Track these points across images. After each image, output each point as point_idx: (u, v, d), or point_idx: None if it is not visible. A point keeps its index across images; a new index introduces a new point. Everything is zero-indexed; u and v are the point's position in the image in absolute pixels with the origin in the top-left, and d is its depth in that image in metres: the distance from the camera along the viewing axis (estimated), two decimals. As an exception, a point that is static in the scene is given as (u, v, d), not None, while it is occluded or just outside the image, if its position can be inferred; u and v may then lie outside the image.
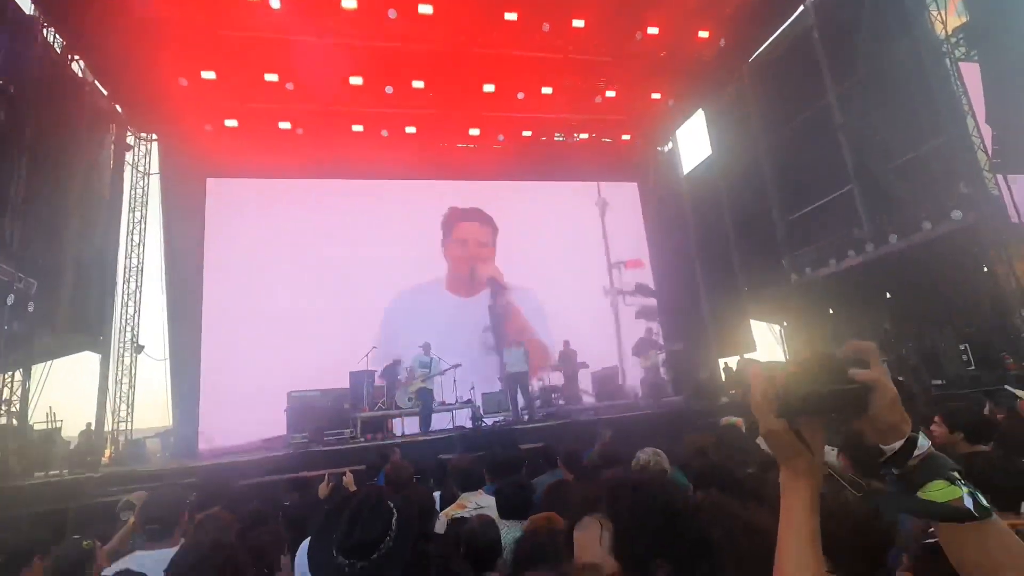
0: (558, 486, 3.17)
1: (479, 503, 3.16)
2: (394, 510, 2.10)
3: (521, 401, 10.93)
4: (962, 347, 9.24)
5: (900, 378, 8.48)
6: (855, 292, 12.69)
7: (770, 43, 13.47)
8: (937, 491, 0.72)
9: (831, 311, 13.94)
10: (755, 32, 13.08)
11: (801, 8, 12.34)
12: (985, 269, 9.67)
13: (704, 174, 16.51)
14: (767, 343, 15.36)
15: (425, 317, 13.91)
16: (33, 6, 9.58)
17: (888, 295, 12.32)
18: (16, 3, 8.98)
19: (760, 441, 3.84)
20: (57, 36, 10.44)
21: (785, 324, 14.99)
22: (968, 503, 0.70)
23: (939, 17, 9.72)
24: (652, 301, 15.66)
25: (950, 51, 9.65)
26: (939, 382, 8.68)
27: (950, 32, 9.77)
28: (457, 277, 15.21)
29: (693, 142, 16.81)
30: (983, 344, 8.87)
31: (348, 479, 3.74)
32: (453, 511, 3.17)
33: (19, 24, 9.01)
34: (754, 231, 14.52)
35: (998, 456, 2.00)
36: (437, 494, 3.96)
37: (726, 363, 14.69)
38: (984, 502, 0.70)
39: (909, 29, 10.06)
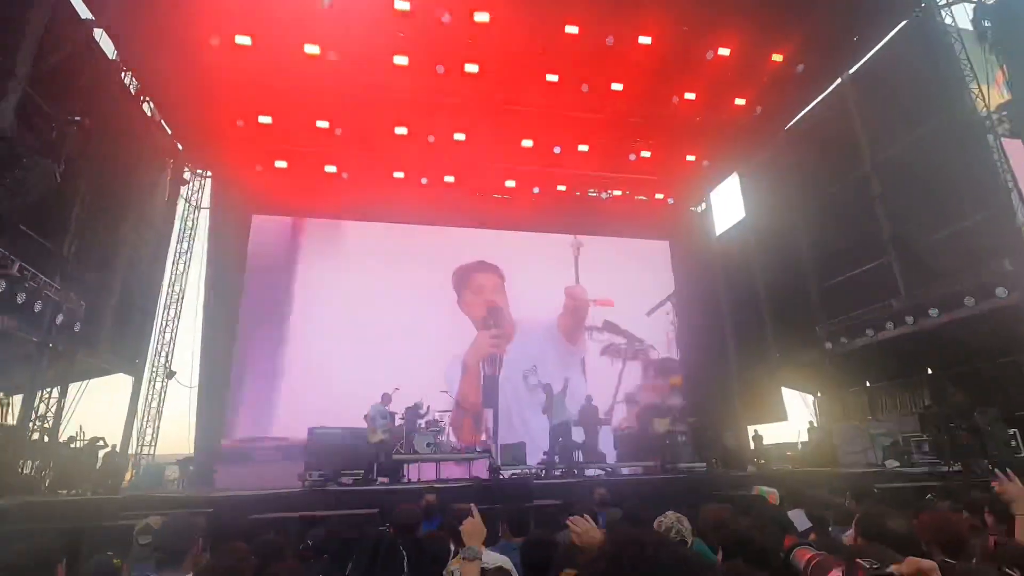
0: (573, 546, 3.08)
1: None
2: (405, 554, 2.09)
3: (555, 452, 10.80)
4: (1011, 431, 8.76)
5: None
6: (893, 365, 12.25)
7: (807, 112, 13.68)
8: None
9: (867, 383, 13.44)
10: (792, 101, 13.31)
11: (839, 81, 12.56)
12: (1034, 350, 9.27)
13: (737, 236, 16.49)
14: (799, 412, 14.84)
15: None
16: (116, 52, 10.50)
17: (929, 370, 11.85)
18: (102, 49, 9.86)
19: (794, 514, 3.66)
20: (134, 79, 11.38)
21: (819, 394, 14.49)
22: None
23: (980, 94, 9.75)
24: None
25: (993, 127, 9.62)
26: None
27: (992, 109, 9.77)
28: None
29: (727, 204, 16.91)
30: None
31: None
32: (452, 566, 3.11)
33: (102, 67, 9.87)
34: (787, 297, 14.30)
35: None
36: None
37: (755, 431, 14.15)
38: None
39: (950, 105, 10.10)
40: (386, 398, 9.97)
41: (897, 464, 9.55)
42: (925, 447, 9.63)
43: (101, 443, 9.86)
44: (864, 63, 12.08)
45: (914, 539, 2.29)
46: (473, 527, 2.50)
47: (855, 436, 11.12)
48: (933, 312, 10.10)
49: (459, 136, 13.41)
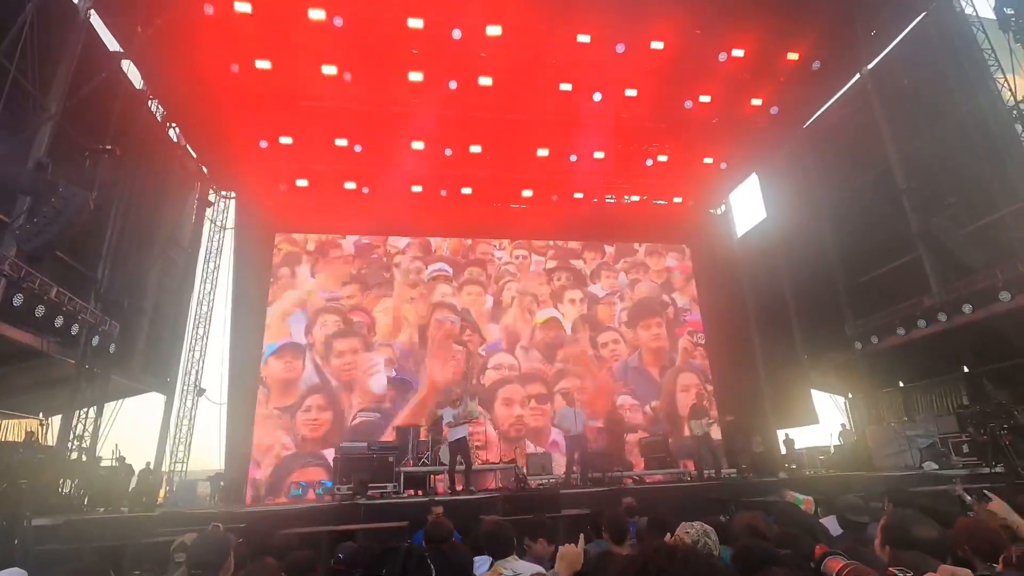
0: (604, 557, 3.06)
1: (515, 569, 3.06)
2: (433, 567, 2.11)
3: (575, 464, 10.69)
4: (1056, 431, 8.43)
5: None
6: (927, 364, 11.91)
7: (826, 109, 13.47)
8: None
9: (901, 383, 13.08)
10: (810, 99, 13.14)
11: (857, 76, 12.37)
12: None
13: (759, 237, 16.26)
14: (830, 415, 14.49)
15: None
16: (142, 81, 10.89)
17: (965, 368, 11.49)
18: (130, 80, 10.23)
19: (827, 521, 3.58)
20: (160, 107, 11.77)
21: (851, 396, 14.14)
22: None
23: (1006, 83, 9.51)
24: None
25: (1021, 116, 9.35)
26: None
27: (1020, 98, 9.50)
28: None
29: (747, 205, 16.72)
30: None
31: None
32: None
33: (131, 97, 10.24)
34: (814, 297, 14.02)
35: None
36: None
37: (787, 435, 13.85)
38: None
39: (974, 95, 9.87)
40: (450, 398, 10.03)
41: (935, 466, 9.25)
42: (964, 448, 9.32)
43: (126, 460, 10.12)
44: (883, 57, 11.89)
45: (943, 546, 2.20)
46: (570, 556, 2.24)
47: (890, 438, 10.82)
48: (967, 308, 9.82)
49: (475, 148, 13.53)
